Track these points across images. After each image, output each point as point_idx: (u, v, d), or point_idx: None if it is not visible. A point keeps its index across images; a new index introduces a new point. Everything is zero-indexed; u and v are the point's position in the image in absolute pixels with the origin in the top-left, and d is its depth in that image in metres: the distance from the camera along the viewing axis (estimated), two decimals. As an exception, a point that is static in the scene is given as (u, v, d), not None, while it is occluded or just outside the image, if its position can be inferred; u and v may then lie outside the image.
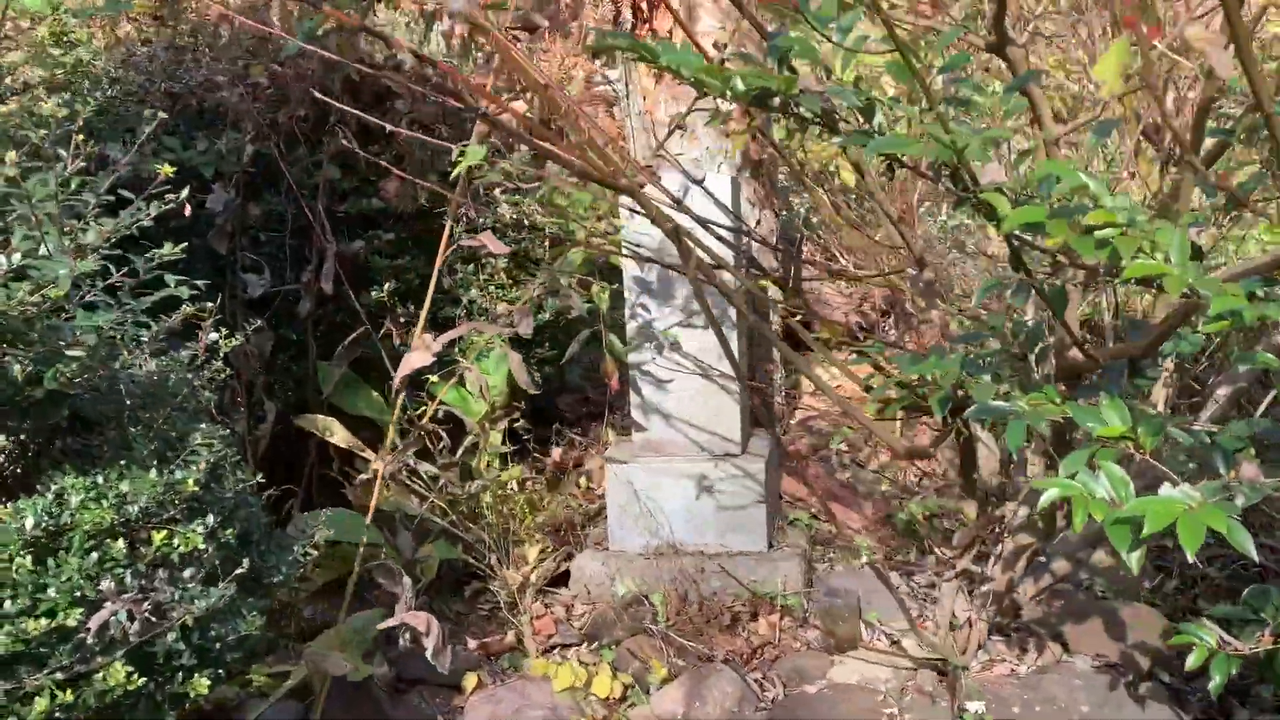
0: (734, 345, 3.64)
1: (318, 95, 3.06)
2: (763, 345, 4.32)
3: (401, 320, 3.83)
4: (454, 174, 2.72)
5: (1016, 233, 1.70)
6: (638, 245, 3.47)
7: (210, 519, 2.10)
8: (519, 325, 3.00)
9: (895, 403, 2.15)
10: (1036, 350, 2.11)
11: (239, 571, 2.06)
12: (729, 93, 1.71)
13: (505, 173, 3.18)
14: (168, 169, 2.19)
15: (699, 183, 3.29)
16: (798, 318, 4.39)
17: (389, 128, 2.77)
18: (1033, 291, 1.79)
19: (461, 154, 2.49)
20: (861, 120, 1.69)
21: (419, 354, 2.63)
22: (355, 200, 3.93)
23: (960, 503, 2.66)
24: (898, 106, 1.76)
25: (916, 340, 5.03)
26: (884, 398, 2.26)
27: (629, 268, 3.60)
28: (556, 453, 4.69)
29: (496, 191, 4.22)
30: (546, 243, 4.43)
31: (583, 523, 4.11)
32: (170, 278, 2.30)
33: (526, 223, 4.28)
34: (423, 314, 2.88)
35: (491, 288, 4.16)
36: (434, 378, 3.77)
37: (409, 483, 3.61)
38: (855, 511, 4.00)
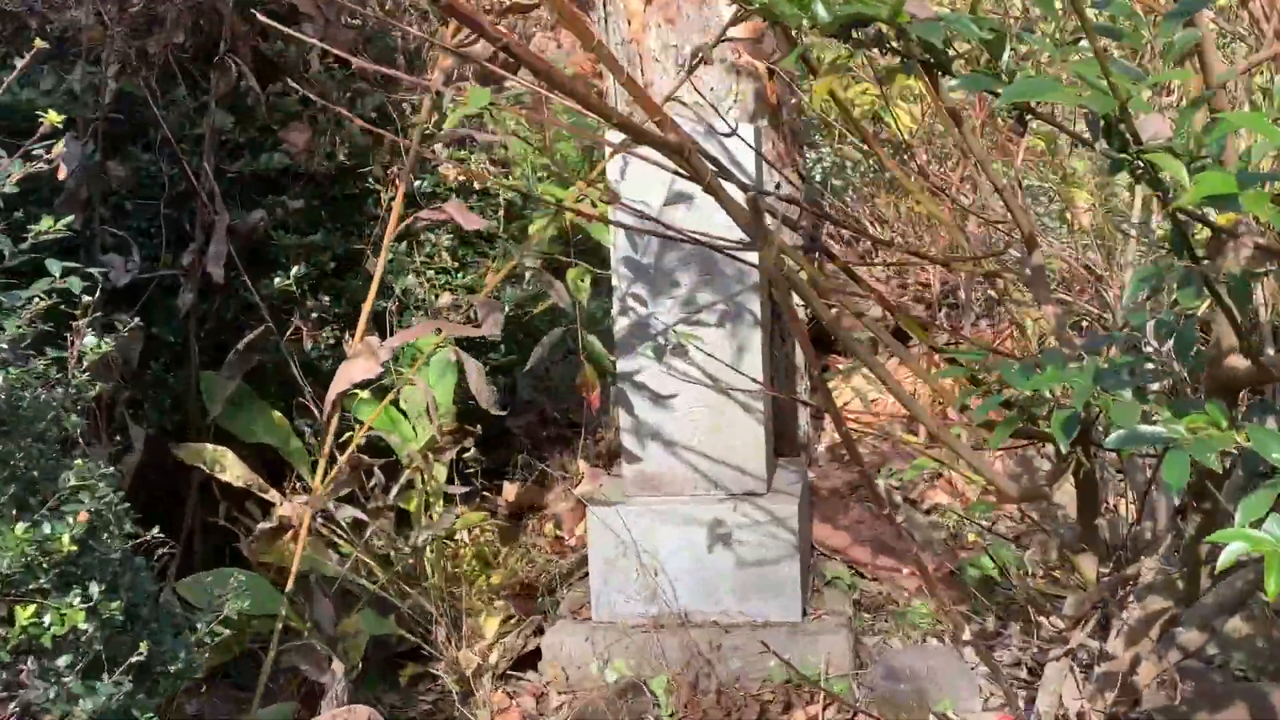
0: (758, 349, 3.60)
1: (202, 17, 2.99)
2: (777, 346, 4.30)
3: (314, 316, 3.76)
4: (426, 124, 2.65)
5: (1180, 206, 1.68)
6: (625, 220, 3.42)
7: (93, 588, 2.03)
8: (484, 323, 2.93)
9: (1004, 426, 2.12)
10: (1191, 358, 2.09)
11: (135, 659, 1.99)
12: (807, 21, 1.67)
13: (472, 118, 3.13)
14: None
15: (728, 134, 3.24)
16: (832, 310, 4.37)
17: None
18: (1199, 283, 1.77)
19: (439, 99, 2.43)
20: (981, 60, 1.67)
21: (362, 362, 2.55)
22: (252, 157, 3.85)
23: (1077, 557, 2.64)
24: (1028, 39, 1.72)
25: (996, 340, 5.03)
26: (986, 419, 2.23)
27: (620, 245, 3.55)
28: (510, 490, 4.65)
29: (437, 147, 4.15)
30: (501, 213, 4.37)
31: (553, 583, 4.06)
32: None
33: (477, 188, 4.21)
34: (365, 308, 2.81)
35: (431, 273, 4.10)
36: (363, 394, 3.70)
37: (327, 531, 3.52)
38: (908, 565, 3.97)
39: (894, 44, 1.73)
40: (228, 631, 2.45)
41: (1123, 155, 1.64)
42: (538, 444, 5.07)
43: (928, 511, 4.43)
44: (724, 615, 3.62)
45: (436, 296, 4.14)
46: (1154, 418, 2.00)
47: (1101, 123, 1.62)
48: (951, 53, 1.74)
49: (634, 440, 3.71)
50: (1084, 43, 1.71)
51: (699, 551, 3.64)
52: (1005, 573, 4.04)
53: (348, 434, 3.32)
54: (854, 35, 1.73)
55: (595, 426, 5.18)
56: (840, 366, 5.42)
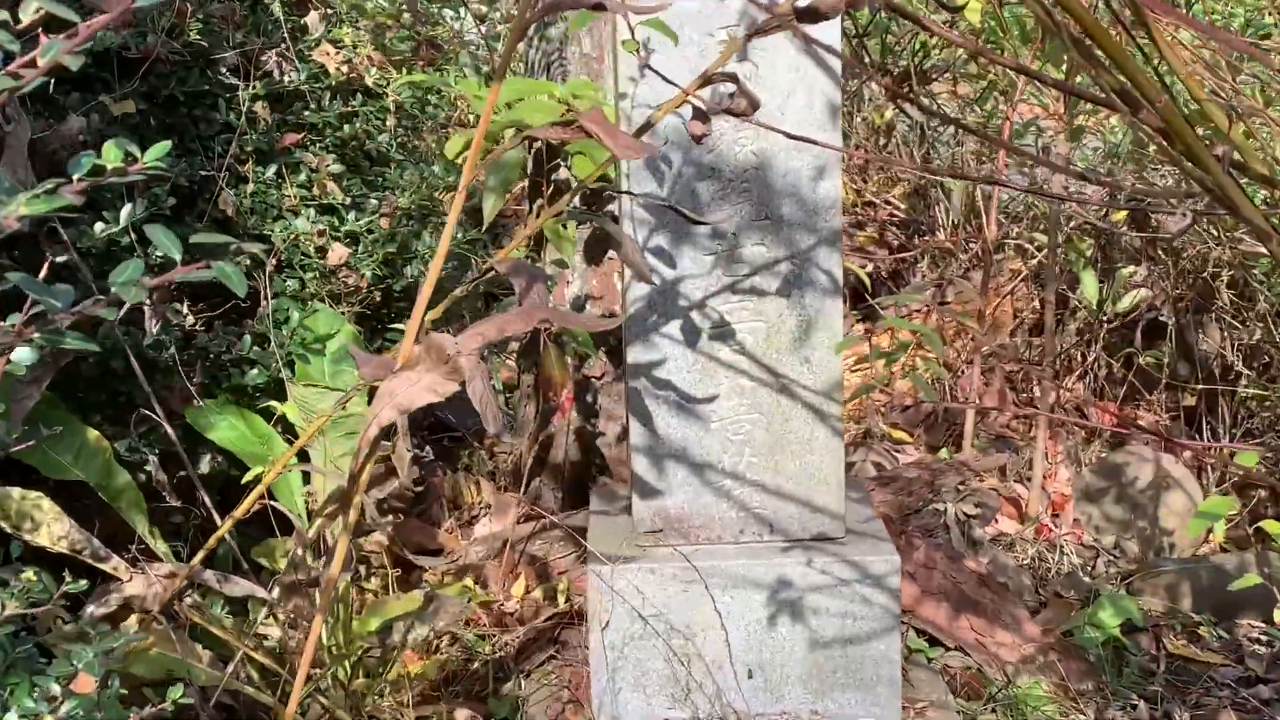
0: (837, 327, 2.95)
1: None
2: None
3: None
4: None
5: None
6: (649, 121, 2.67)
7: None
8: (523, 298, 2.14)
9: None
10: None
11: None
12: None
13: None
14: None
15: None
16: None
17: None
18: None
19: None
20: None
21: (424, 376, 1.73)
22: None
23: None
24: None
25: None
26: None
27: (634, 169, 2.82)
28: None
29: (312, 17, 3.39)
30: (390, 123, 3.63)
31: (504, 671, 3.33)
32: None
33: (366, 85, 3.50)
34: (424, 292, 1.98)
35: (311, 212, 3.32)
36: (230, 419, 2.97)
37: (199, 618, 2.73)
38: (1003, 627, 3.40)
39: None
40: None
41: None
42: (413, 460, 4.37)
43: (998, 541, 3.89)
44: (793, 719, 2.97)
45: (322, 250, 3.37)
46: None
47: None
48: None
49: (651, 464, 2.97)
50: None
51: (756, 628, 2.90)
52: (1135, 628, 3.52)
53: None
54: None
55: (482, 432, 4.54)
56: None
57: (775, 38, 2.75)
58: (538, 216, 2.55)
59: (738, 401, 2.92)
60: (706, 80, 2.14)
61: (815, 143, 2.07)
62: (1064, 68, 3.39)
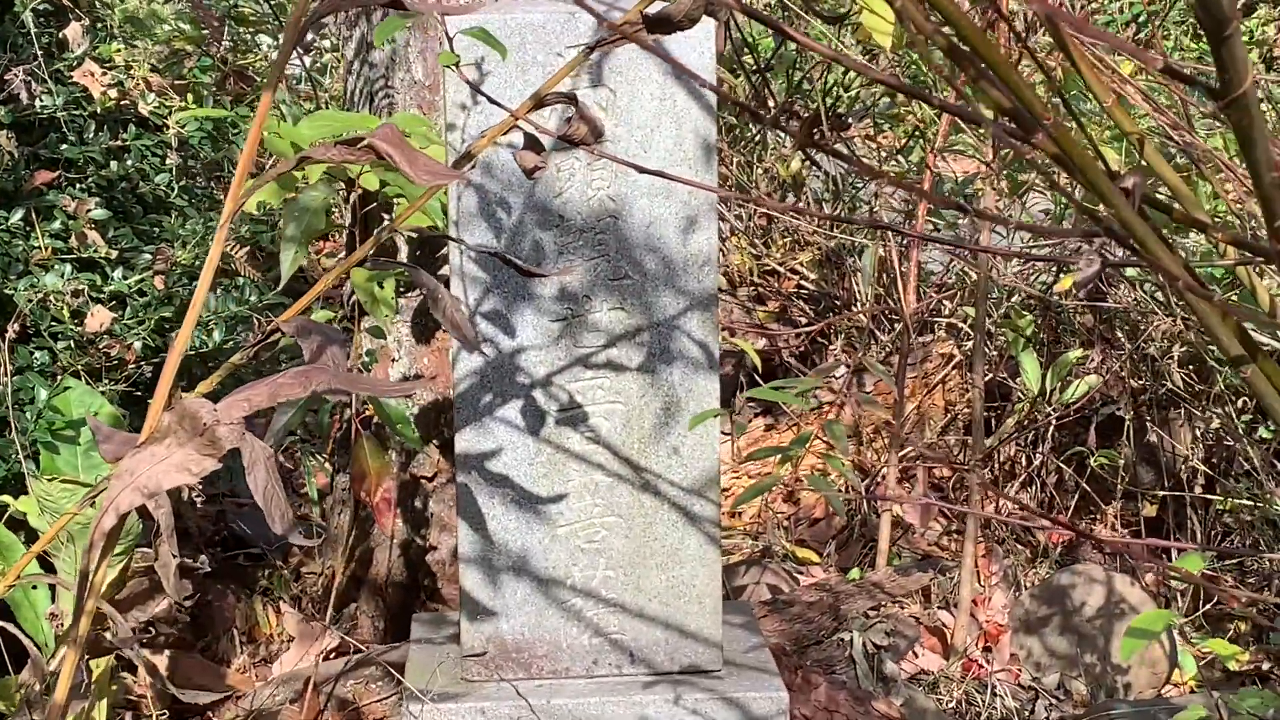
0: (713, 409, 2.99)
1: None
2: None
3: None
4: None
5: None
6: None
7: None
8: (316, 360, 2.14)
9: None
10: None
11: None
12: None
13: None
14: None
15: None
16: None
17: None
18: None
19: None
20: None
21: (173, 452, 1.73)
22: None
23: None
24: None
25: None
26: None
27: (465, 211, 2.81)
28: (154, 663, 3.83)
29: (73, 29, 3.42)
30: (172, 162, 3.65)
31: None
32: None
33: (141, 114, 3.52)
34: (176, 350, 1.98)
35: (67, 268, 3.32)
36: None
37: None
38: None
39: None
40: None
41: None
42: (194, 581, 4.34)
43: (918, 681, 3.95)
44: None
45: (69, 314, 3.37)
46: None
47: None
48: None
49: (484, 579, 2.95)
50: None
51: (610, 784, 2.95)
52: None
53: None
54: None
55: (289, 547, 4.52)
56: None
57: (640, 61, 2.81)
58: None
59: (591, 501, 2.98)
60: (540, 102, 2.18)
61: (688, 182, 2.11)
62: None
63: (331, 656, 3.73)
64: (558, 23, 2.80)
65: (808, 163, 5.63)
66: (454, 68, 2.33)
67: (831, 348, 5.35)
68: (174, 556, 2.34)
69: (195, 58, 4.50)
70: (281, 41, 4.93)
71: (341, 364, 2.25)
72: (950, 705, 3.85)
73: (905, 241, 4.17)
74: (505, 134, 2.27)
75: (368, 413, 3.27)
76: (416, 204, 2.23)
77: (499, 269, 2.85)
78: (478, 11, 2.79)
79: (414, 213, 2.24)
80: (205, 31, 5.09)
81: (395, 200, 3.12)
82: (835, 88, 5.54)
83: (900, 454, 4.36)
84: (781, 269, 5.70)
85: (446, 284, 2.80)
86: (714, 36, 2.90)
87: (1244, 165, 1.21)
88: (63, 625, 3.07)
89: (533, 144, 2.25)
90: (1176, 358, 4.34)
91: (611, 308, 2.89)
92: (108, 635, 2.90)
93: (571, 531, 2.97)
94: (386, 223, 2.45)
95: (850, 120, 5.67)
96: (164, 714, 3.40)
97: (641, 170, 1.82)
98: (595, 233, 2.87)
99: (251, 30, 6.52)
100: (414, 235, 3.38)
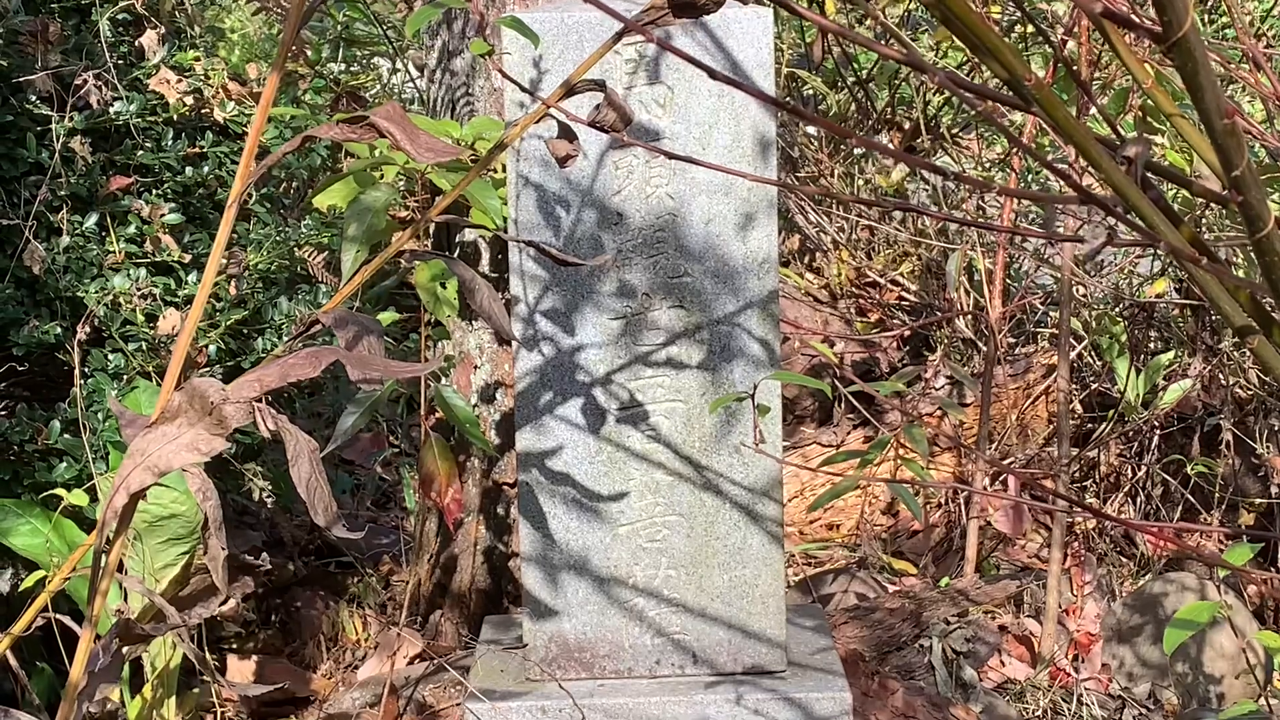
0: (775, 409, 2.96)
1: None
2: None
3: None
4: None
5: None
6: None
7: None
8: (354, 348, 2.17)
9: None
10: None
11: None
12: None
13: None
14: None
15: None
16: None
17: None
18: None
19: None
20: None
21: (184, 431, 1.76)
22: None
23: None
24: None
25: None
26: None
27: (523, 214, 2.83)
28: (244, 669, 3.89)
29: (149, 37, 3.48)
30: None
31: None
32: None
33: (219, 121, 3.56)
34: (183, 339, 2.02)
35: (142, 273, 3.38)
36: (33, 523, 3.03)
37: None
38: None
39: None
40: None
41: None
42: (283, 587, 4.40)
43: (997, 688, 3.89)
44: None
45: (142, 317, 3.42)
46: None
47: None
48: None
49: (545, 579, 2.97)
50: None
51: (672, 785, 2.94)
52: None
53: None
54: None
55: (381, 555, 4.56)
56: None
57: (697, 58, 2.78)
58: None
59: (652, 500, 3.00)
60: (570, 90, 2.17)
61: (748, 176, 2.10)
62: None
63: (414, 662, 3.76)
64: (613, 20, 2.80)
65: (910, 174, 5.59)
66: (485, 57, 2.33)
67: (931, 358, 5.30)
68: (222, 550, 2.36)
69: (309, 79, 4.56)
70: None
71: (377, 352, 2.26)
72: (1036, 714, 3.78)
73: (993, 244, 4.12)
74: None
75: (438, 416, 3.28)
76: (451, 195, 2.24)
77: (560, 270, 2.87)
78: (536, 9, 2.81)
79: (450, 203, 2.25)
80: (323, 54, 5.16)
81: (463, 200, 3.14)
82: (939, 95, 5.49)
83: (992, 465, 4.30)
84: (882, 280, 5.66)
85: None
86: (770, 31, 2.90)
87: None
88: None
89: (566, 133, 2.25)
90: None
91: (671, 305, 2.89)
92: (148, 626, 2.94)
93: (633, 530, 2.97)
94: (422, 217, 2.47)
95: (954, 131, 5.64)
96: (243, 715, 3.44)
97: (701, 164, 1.82)
98: (654, 230, 2.89)
99: (367, 53, 6.60)
100: (482, 236, 3.40)
